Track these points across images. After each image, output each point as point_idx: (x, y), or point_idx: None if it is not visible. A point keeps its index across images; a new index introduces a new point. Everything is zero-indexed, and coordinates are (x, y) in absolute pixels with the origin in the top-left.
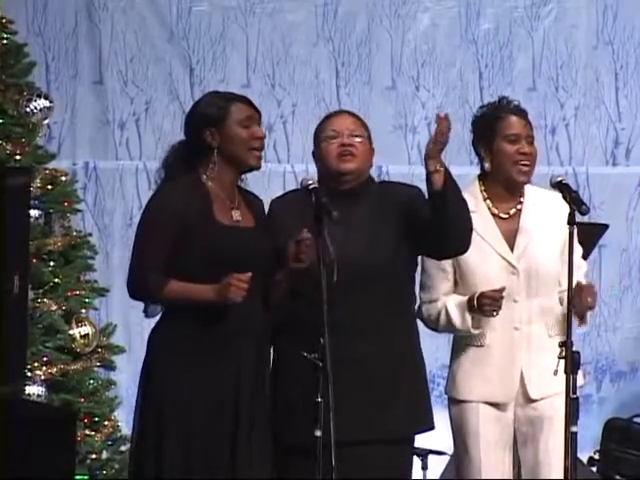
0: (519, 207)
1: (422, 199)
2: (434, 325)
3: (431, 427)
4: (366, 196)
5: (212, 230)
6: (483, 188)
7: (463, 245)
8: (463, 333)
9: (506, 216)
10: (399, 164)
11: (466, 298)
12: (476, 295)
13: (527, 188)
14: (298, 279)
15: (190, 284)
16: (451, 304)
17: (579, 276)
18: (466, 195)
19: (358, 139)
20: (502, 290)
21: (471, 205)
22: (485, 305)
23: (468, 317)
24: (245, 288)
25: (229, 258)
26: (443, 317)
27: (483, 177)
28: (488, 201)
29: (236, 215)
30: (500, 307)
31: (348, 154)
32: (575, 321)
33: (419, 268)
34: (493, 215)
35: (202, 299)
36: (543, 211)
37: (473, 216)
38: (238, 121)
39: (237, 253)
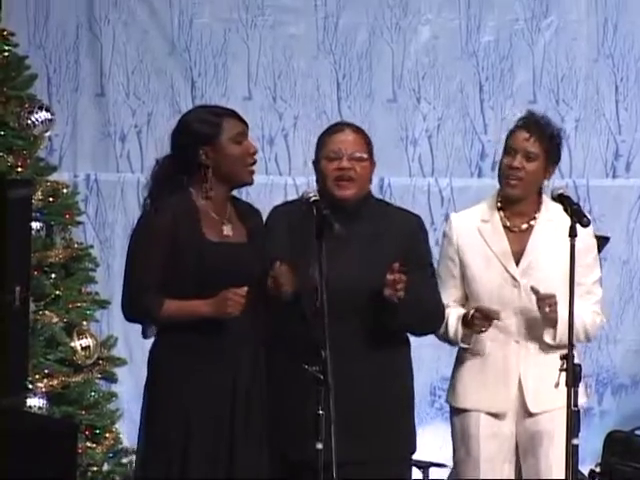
0: (532, 223)
1: (416, 250)
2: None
3: (413, 450)
4: (364, 214)
5: (201, 247)
6: (499, 199)
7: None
8: (455, 345)
9: (517, 230)
10: (400, 176)
11: (463, 313)
12: (472, 310)
13: (545, 203)
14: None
15: (185, 302)
16: (452, 314)
17: (590, 304)
18: (484, 205)
19: (358, 162)
20: (498, 313)
21: (486, 215)
22: (475, 319)
23: (460, 329)
24: (242, 302)
25: (218, 275)
26: (443, 325)
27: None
28: (502, 212)
29: (227, 230)
30: (489, 326)
31: (346, 179)
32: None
33: None
34: (505, 228)
35: (199, 315)
36: (558, 228)
37: (485, 226)
38: (231, 138)
39: (226, 269)
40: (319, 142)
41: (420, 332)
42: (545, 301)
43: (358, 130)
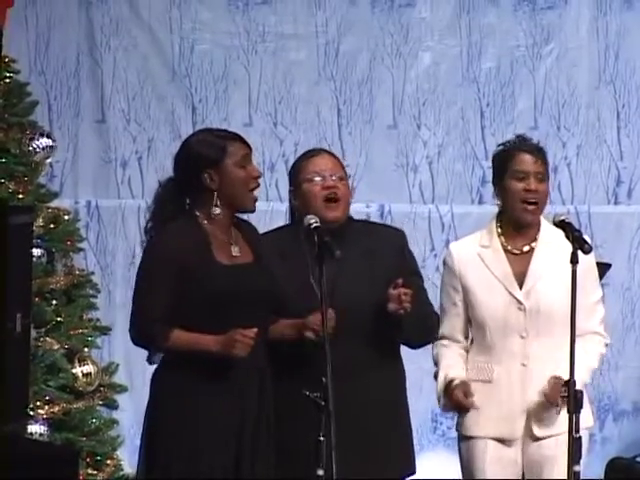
0: (533, 245)
1: (407, 264)
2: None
3: (413, 472)
4: (350, 235)
5: (213, 271)
6: (499, 224)
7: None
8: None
9: (518, 252)
10: (401, 203)
11: (449, 379)
12: (452, 384)
13: (544, 225)
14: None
15: (194, 334)
16: (441, 375)
17: (596, 324)
18: (483, 231)
19: (340, 181)
20: (471, 404)
21: (485, 240)
22: (452, 401)
23: (442, 398)
24: (251, 344)
25: (231, 297)
26: (436, 374)
27: (501, 214)
28: (502, 237)
29: (235, 251)
30: (465, 413)
31: (333, 199)
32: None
33: None
34: (506, 251)
35: (206, 350)
36: (558, 250)
37: (486, 251)
38: (236, 162)
39: (238, 292)
40: (295, 168)
41: (417, 343)
42: (557, 389)
43: (333, 154)
